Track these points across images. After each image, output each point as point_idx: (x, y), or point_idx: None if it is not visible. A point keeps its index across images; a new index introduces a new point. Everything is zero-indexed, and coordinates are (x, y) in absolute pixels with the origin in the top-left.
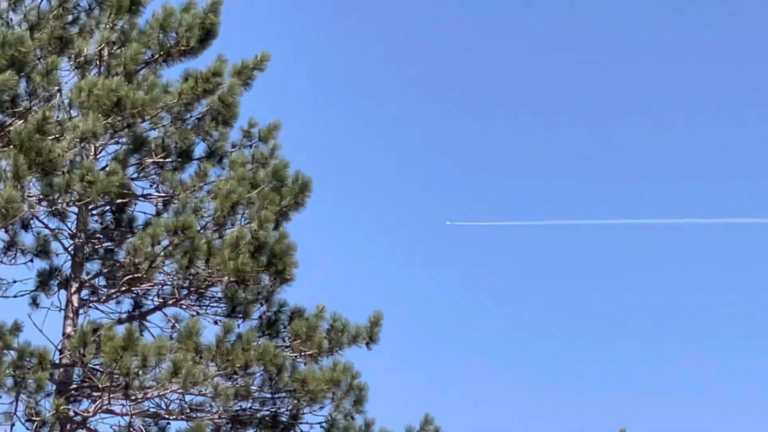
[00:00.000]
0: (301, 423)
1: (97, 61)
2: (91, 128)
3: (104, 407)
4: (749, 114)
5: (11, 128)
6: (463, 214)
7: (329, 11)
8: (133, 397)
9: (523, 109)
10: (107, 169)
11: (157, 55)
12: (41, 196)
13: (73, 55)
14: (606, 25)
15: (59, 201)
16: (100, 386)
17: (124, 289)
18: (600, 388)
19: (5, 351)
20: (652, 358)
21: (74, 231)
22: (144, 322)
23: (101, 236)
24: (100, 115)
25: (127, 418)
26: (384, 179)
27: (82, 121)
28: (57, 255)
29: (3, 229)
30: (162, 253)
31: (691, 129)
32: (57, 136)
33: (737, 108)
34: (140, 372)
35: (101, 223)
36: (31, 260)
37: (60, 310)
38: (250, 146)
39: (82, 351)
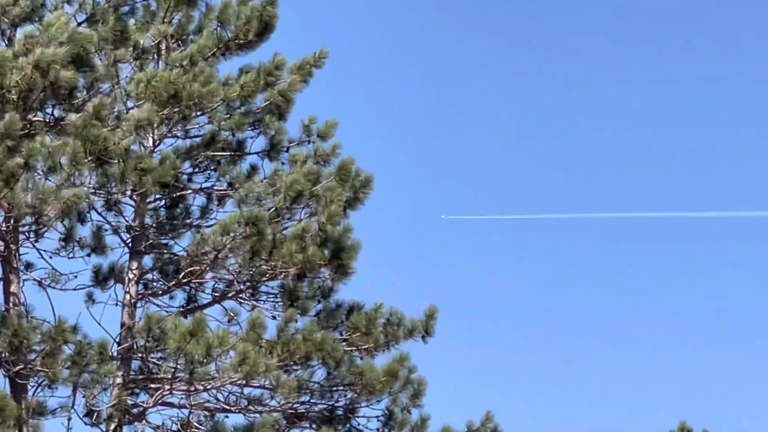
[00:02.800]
0: (357, 417)
1: (155, 54)
2: (146, 117)
3: (163, 399)
4: None
5: (67, 121)
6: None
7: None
8: (194, 389)
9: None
10: (162, 157)
11: (215, 48)
12: (96, 186)
13: (130, 48)
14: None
15: (114, 191)
16: (161, 376)
17: (182, 282)
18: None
19: (65, 345)
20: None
21: (131, 224)
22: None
23: (156, 230)
24: (156, 106)
25: (184, 411)
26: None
27: (138, 110)
28: (112, 250)
29: (60, 222)
30: (229, 245)
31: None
32: (113, 126)
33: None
34: (204, 361)
35: (156, 217)
36: (89, 254)
37: (117, 304)
38: (309, 142)
39: (146, 340)
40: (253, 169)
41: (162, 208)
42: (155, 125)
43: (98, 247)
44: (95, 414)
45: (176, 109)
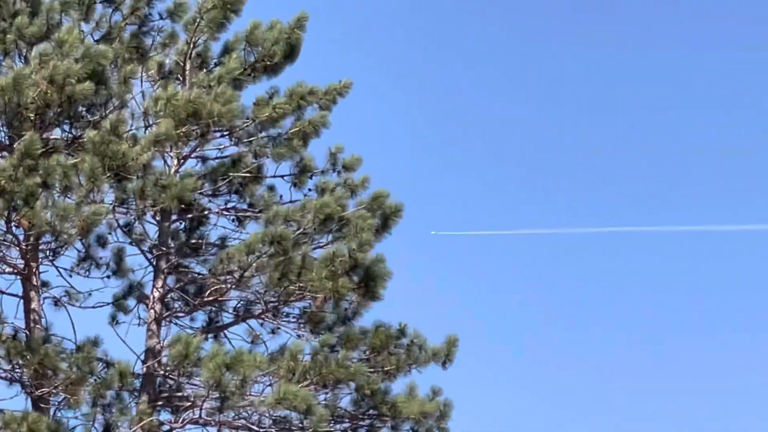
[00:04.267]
0: None
1: (179, 76)
2: (164, 132)
3: (193, 419)
4: None
5: (85, 138)
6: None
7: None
8: (234, 412)
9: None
10: (182, 173)
11: (241, 69)
12: (116, 204)
13: (149, 67)
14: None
15: (133, 207)
16: (191, 399)
17: (205, 301)
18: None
19: (91, 364)
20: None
21: (154, 244)
22: (219, 336)
23: (178, 250)
24: (175, 123)
25: (211, 429)
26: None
27: (157, 126)
28: (133, 272)
29: (80, 241)
30: (255, 265)
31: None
32: (131, 144)
33: None
34: (237, 392)
35: (177, 239)
36: (108, 276)
37: (139, 325)
38: (334, 171)
39: (178, 363)
40: (271, 190)
41: (183, 229)
42: (174, 141)
43: (120, 266)
44: None
45: (195, 127)
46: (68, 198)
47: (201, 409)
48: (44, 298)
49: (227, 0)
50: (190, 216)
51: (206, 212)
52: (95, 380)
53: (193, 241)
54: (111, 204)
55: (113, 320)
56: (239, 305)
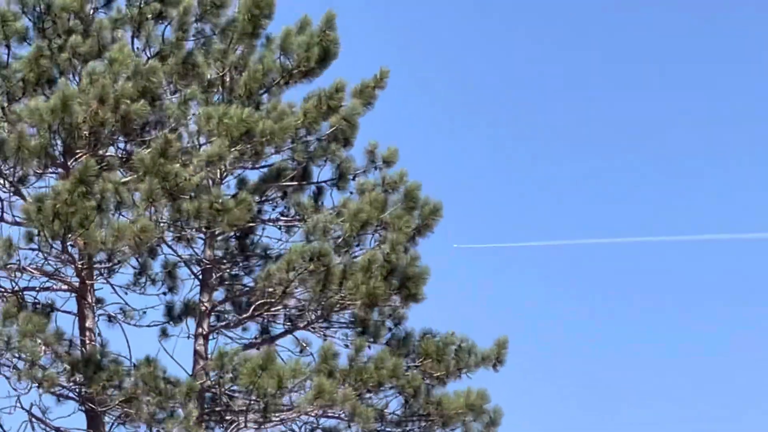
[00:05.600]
0: None
1: (220, 87)
2: (217, 152)
3: (239, 431)
4: None
5: (134, 157)
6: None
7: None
8: (268, 421)
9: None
10: (238, 197)
11: (279, 78)
12: (169, 222)
13: (198, 82)
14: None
15: (188, 227)
16: (235, 409)
17: (254, 314)
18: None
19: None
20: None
21: (201, 257)
22: (273, 347)
23: (226, 262)
24: (227, 142)
25: None
26: None
27: (210, 146)
28: (183, 281)
29: (134, 257)
30: (296, 280)
31: None
32: (184, 162)
33: None
34: (277, 394)
35: (226, 249)
36: (164, 293)
37: (189, 338)
38: (375, 168)
39: (219, 374)
40: (319, 194)
41: (232, 239)
42: (227, 161)
43: (171, 281)
44: None
45: (249, 146)
46: (122, 216)
47: (246, 419)
48: (99, 315)
49: (259, 4)
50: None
51: (254, 223)
52: (157, 395)
53: (244, 253)
54: (165, 222)
55: (163, 333)
56: (288, 316)
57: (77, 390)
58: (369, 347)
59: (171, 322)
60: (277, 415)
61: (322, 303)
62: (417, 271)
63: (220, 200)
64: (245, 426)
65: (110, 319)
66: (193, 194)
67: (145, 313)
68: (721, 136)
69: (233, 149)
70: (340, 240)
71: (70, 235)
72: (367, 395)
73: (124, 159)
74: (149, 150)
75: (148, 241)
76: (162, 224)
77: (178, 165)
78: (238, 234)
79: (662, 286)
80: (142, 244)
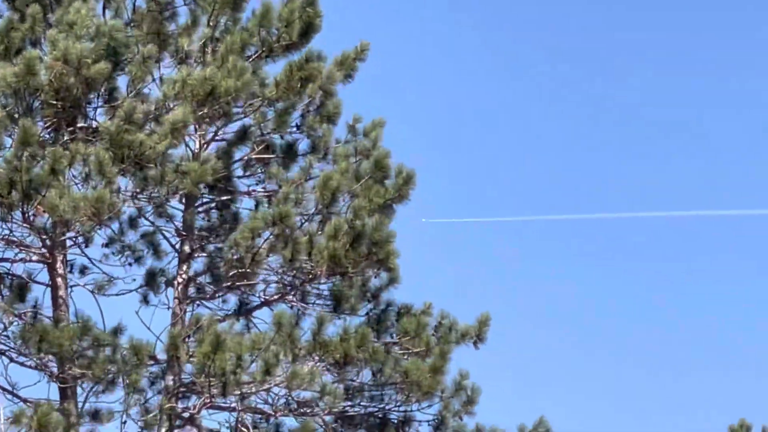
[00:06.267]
0: (411, 421)
1: (201, 58)
2: (181, 119)
3: (210, 404)
4: None
5: (100, 126)
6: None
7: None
8: (236, 394)
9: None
10: (199, 157)
11: (260, 51)
12: (136, 191)
13: (173, 52)
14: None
15: (155, 194)
16: (199, 387)
17: (229, 286)
18: None
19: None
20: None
21: (179, 228)
22: (250, 319)
23: (207, 234)
24: (193, 106)
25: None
26: None
27: (173, 113)
28: (167, 254)
29: (103, 228)
30: (264, 246)
31: None
32: (151, 130)
33: None
34: (237, 371)
35: (207, 221)
36: (137, 260)
37: (168, 308)
38: (355, 141)
39: (179, 348)
40: (303, 170)
41: (213, 211)
42: (191, 126)
43: (150, 252)
44: (145, 419)
45: (216, 107)
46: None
47: (209, 394)
48: (71, 286)
49: None
50: (216, 199)
51: (231, 195)
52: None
53: (223, 225)
54: (132, 192)
55: (144, 299)
56: (265, 289)
57: (47, 360)
58: (331, 321)
59: (149, 292)
60: (239, 389)
61: (293, 273)
62: (383, 237)
63: (183, 163)
64: (212, 400)
65: (93, 291)
66: (158, 163)
67: (115, 282)
68: None
69: (200, 112)
70: (313, 212)
71: (30, 204)
72: (341, 369)
73: (92, 130)
74: (113, 119)
75: (105, 212)
76: (126, 193)
77: (143, 134)
78: (218, 206)
79: (636, 261)
80: (100, 214)
